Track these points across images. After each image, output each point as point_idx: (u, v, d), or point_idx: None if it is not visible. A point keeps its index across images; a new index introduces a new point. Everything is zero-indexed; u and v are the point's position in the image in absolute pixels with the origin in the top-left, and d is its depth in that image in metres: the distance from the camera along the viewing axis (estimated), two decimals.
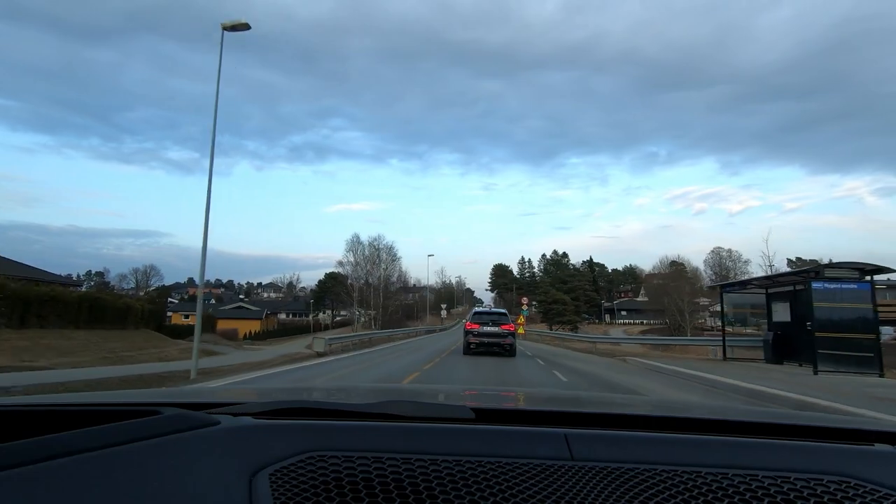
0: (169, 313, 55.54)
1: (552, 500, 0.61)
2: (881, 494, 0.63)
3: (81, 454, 0.58)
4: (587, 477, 0.65)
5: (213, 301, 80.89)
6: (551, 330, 50.75)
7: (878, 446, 0.76)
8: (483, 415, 0.84)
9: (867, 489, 0.63)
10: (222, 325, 48.68)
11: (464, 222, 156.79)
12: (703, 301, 52.81)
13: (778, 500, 0.62)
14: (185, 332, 32.84)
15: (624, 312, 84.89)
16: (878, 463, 0.71)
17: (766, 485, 0.64)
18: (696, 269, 65.65)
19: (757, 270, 44.74)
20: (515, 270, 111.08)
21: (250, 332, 57.83)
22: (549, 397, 1.75)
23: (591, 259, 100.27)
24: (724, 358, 16.38)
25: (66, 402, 0.96)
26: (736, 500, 0.62)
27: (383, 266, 63.67)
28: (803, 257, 59.86)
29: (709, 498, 0.62)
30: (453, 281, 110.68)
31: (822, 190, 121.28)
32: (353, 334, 25.33)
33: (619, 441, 0.74)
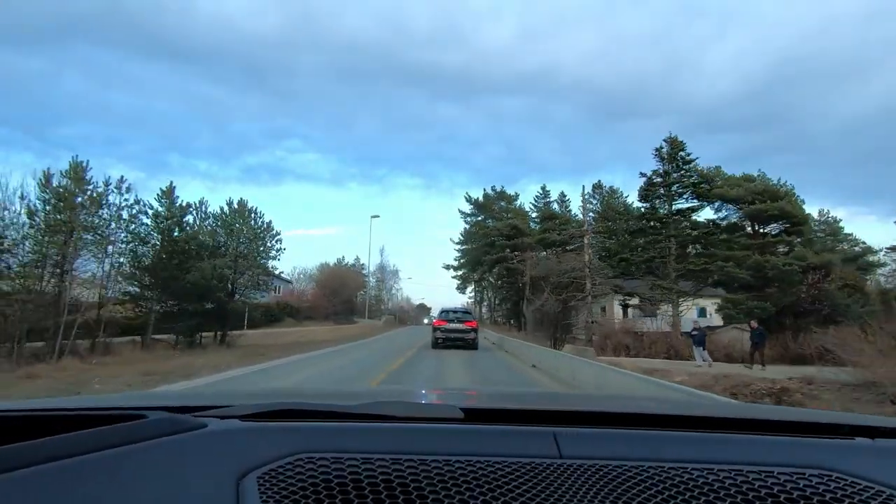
0: None
1: (541, 497, 0.62)
2: (861, 487, 0.64)
3: (63, 460, 0.57)
4: (576, 475, 0.65)
5: None
6: None
7: (858, 440, 0.78)
8: (472, 414, 0.84)
9: (848, 482, 0.65)
10: None
11: (426, 247, 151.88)
12: None
13: (762, 494, 0.63)
14: None
15: None
16: (858, 456, 0.72)
17: (750, 479, 0.65)
18: None
19: None
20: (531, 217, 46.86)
21: None
22: (538, 396, 1.76)
23: None
24: None
25: (48, 408, 0.94)
26: (721, 494, 0.63)
27: None
28: None
29: (695, 493, 0.63)
30: (367, 265, 56.15)
31: None
32: None
33: (607, 439, 0.75)
